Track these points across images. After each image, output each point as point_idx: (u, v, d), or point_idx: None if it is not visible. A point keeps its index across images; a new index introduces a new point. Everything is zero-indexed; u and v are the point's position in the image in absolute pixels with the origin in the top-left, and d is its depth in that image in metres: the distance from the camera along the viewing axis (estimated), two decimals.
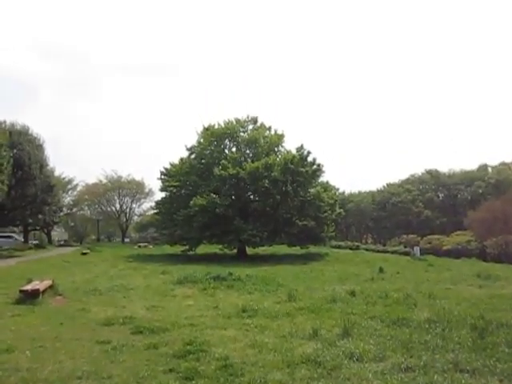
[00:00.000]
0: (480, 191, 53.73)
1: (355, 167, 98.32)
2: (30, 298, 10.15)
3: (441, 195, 61.56)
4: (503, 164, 56.90)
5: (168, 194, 31.89)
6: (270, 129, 33.84)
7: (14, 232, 44.89)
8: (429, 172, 63.36)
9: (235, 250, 30.39)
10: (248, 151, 32.82)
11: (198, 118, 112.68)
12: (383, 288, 12.76)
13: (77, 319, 8.58)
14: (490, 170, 58.36)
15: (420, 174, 64.41)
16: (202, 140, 32.78)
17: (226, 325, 8.00)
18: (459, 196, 59.86)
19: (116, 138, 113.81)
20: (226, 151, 32.76)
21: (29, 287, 10.56)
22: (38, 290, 10.42)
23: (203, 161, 31.73)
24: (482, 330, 6.89)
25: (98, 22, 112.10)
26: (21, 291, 10.35)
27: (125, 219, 59.90)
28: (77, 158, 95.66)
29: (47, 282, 11.68)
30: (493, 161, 59.50)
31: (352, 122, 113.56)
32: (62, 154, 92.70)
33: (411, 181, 63.21)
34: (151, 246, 45.13)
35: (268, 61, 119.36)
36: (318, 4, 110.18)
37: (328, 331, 7.27)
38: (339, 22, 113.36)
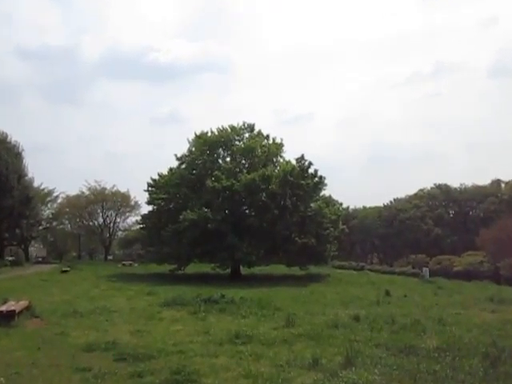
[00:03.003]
0: (492, 208, 53.98)
1: (360, 180, 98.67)
2: (4, 319, 10.11)
3: (451, 212, 61.82)
4: None
5: (155, 207, 31.96)
6: (267, 137, 34.15)
7: None
8: (439, 187, 63.69)
9: (228, 270, 30.35)
10: (243, 161, 33.05)
11: (189, 126, 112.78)
12: (390, 312, 12.78)
13: (55, 344, 8.54)
14: (503, 185, 58.71)
15: (429, 188, 64.70)
16: (193, 149, 33.06)
17: (217, 352, 7.99)
18: (471, 213, 60.13)
19: (101, 147, 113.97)
20: (220, 161, 32.98)
21: (3, 308, 10.52)
22: (13, 311, 10.39)
23: (194, 171, 31.92)
24: (494, 359, 6.92)
25: (86, 21, 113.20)
26: None
27: (108, 234, 59.61)
28: (58, 168, 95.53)
29: (23, 303, 11.63)
30: (506, 176, 59.65)
31: (355, 132, 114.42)
32: (41, 164, 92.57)
33: (420, 196, 63.47)
34: (136, 265, 45.03)
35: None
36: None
37: (329, 360, 7.31)
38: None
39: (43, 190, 51.02)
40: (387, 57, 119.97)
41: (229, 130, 33.48)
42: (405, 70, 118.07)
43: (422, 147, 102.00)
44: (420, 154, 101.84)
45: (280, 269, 33.28)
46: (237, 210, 30.29)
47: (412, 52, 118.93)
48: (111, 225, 59.45)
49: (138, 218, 42.84)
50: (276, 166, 32.36)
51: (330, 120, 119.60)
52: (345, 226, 33.29)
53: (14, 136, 36.80)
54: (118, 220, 59.66)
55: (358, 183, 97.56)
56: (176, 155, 33.80)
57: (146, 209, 41.27)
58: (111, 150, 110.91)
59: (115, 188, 58.42)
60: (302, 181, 29.10)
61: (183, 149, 35.61)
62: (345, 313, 12.65)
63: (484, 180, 74.38)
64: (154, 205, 32.02)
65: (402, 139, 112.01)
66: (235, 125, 33.84)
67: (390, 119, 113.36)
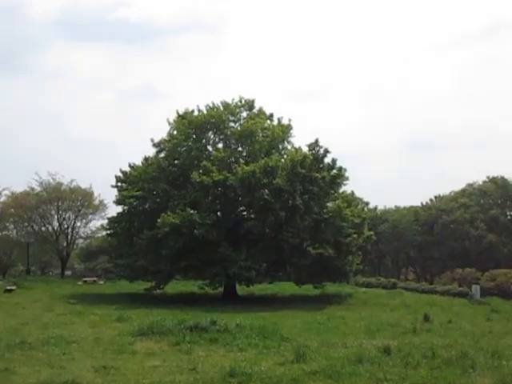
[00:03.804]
0: None
1: (391, 172, 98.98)
2: None
3: (509, 213, 61.72)
4: None
5: (126, 207, 32.10)
6: (271, 117, 34.13)
7: None
8: (493, 180, 63.49)
9: (221, 289, 30.64)
10: (240, 148, 33.27)
11: (169, 101, 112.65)
12: (429, 343, 12.87)
13: None
14: None
15: (481, 182, 64.58)
16: (175, 132, 33.15)
17: None
18: None
19: (54, 129, 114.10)
20: (210, 148, 33.13)
21: None
22: None
23: (177, 162, 32.09)
24: None
25: None
26: None
27: (65, 243, 59.63)
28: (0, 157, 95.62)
29: None
30: None
31: (385, 109, 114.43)
32: None
33: (469, 193, 63.37)
34: (102, 282, 45.33)
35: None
36: None
37: None
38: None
39: None
40: (427, 10, 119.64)
41: (221, 107, 33.44)
42: (452, 27, 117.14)
43: (473, 129, 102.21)
44: (470, 137, 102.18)
45: (287, 287, 33.52)
46: (232, 212, 30.53)
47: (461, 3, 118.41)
48: (69, 231, 59.43)
49: (104, 221, 42.65)
50: (282, 155, 32.53)
51: (352, 94, 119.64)
52: (372, 233, 33.17)
53: None
54: (78, 224, 59.62)
55: (388, 176, 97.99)
56: (152, 140, 33.85)
57: (114, 210, 41.70)
58: (68, 133, 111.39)
59: (74, 183, 58.46)
60: (316, 173, 29.21)
61: (162, 132, 35.86)
62: (371, 344, 12.75)
63: None
64: (125, 205, 32.05)
65: (447, 118, 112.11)
66: (229, 101, 33.87)
67: (432, 91, 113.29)
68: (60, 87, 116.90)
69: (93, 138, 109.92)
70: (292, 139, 34.66)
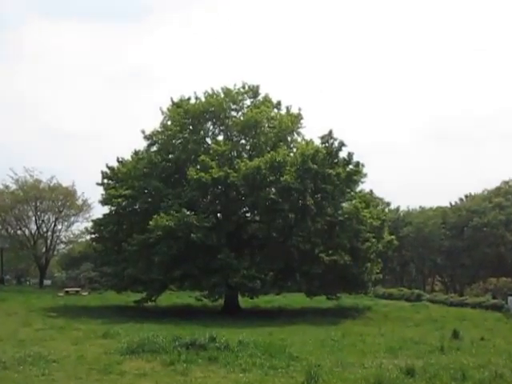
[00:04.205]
0: None
1: (415, 167, 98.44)
2: None
3: None
4: None
5: (114, 208, 32.19)
6: (278, 105, 34.03)
7: None
8: None
9: (221, 301, 30.74)
10: (243, 141, 33.32)
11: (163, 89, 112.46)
12: (459, 363, 12.82)
13: None
14: None
15: None
16: (169, 123, 33.13)
17: None
18: None
19: (32, 119, 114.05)
20: (209, 141, 33.09)
21: None
22: None
23: (171, 156, 32.15)
24: None
25: None
26: None
27: (44, 249, 59.70)
28: None
29: None
30: None
31: (408, 93, 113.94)
32: None
33: (504, 191, 63.07)
34: (86, 293, 45.22)
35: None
36: None
37: None
38: None
39: None
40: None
41: (221, 94, 33.39)
42: None
43: (509, 117, 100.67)
44: (507, 126, 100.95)
45: (297, 299, 33.59)
46: (233, 214, 30.43)
47: None
48: (49, 234, 59.47)
49: (89, 224, 42.77)
50: (291, 148, 32.57)
51: (369, 73, 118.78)
52: (393, 237, 33.18)
53: None
54: (59, 227, 59.78)
55: (412, 172, 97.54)
56: (143, 132, 33.83)
57: (99, 211, 41.85)
58: (47, 123, 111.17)
59: (55, 181, 58.57)
60: (330, 169, 29.24)
61: (154, 123, 35.84)
62: (393, 364, 12.72)
63: None
64: (112, 205, 32.08)
65: (480, 103, 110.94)
66: (231, 87, 33.84)
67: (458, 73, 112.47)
68: (37, 70, 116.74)
69: (75, 129, 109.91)
70: (302, 130, 34.71)
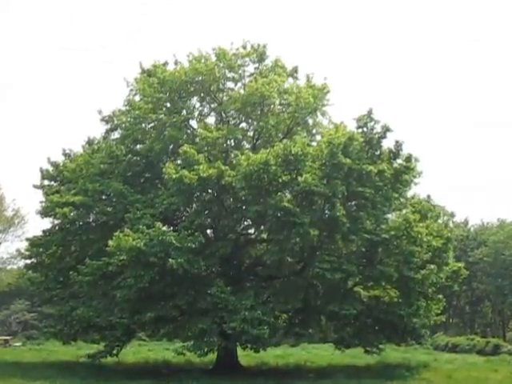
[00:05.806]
0: None
1: (490, 166, 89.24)
2: None
3: None
4: None
5: (58, 222, 29.70)
6: (295, 73, 31.06)
7: None
8: None
9: (213, 356, 27.99)
10: (245, 125, 31.00)
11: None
12: None
13: None
14: None
15: None
16: (136, 98, 30.63)
17: None
18: None
19: None
20: (194, 124, 30.82)
21: None
22: None
23: (140, 146, 30.04)
24: None
25: None
26: None
27: None
28: None
29: None
30: None
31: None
32: None
33: None
34: (19, 344, 42.60)
35: None
36: None
37: None
38: None
39: None
40: None
41: (213, 57, 30.13)
42: None
43: None
44: None
45: (322, 352, 31.06)
46: (230, 230, 28.01)
47: None
48: None
49: (22, 244, 39.08)
50: (314, 135, 30.02)
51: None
52: (461, 264, 29.60)
53: None
54: None
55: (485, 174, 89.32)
56: (100, 112, 31.08)
57: (37, 226, 43.22)
58: None
59: None
60: (370, 166, 25.80)
61: (116, 100, 37.14)
62: None
63: None
64: (56, 217, 29.14)
65: None
66: (227, 48, 30.63)
67: None
68: None
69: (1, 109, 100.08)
70: (329, 109, 31.13)
